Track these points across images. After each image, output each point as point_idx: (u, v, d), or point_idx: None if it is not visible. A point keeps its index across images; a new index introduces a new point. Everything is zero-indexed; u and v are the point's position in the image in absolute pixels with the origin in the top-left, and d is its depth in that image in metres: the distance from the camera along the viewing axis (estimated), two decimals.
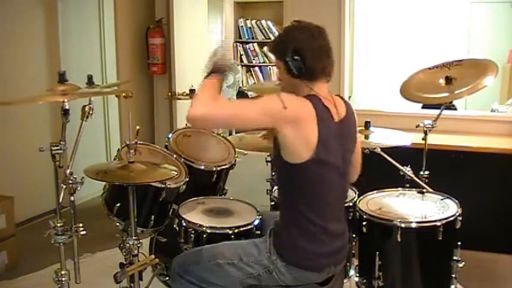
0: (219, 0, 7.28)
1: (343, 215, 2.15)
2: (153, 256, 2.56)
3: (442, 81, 2.81)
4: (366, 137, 2.83)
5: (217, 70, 2.02)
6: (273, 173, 2.95)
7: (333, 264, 2.06)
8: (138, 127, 2.40)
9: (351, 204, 2.57)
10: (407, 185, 2.76)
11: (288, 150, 1.94)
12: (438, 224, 2.31)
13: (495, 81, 2.82)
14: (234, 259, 2.05)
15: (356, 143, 2.17)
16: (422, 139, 2.84)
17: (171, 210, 2.68)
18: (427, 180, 2.82)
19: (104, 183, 2.60)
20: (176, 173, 2.34)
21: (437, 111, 2.89)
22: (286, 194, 2.06)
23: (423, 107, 4.19)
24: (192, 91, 3.34)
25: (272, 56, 2.09)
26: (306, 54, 1.96)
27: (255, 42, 7.63)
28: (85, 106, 2.35)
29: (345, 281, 2.57)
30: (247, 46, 7.69)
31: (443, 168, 3.25)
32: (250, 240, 2.13)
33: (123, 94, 2.65)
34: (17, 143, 4.24)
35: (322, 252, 2.01)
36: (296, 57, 1.97)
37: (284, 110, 1.88)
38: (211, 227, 2.39)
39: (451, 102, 3.48)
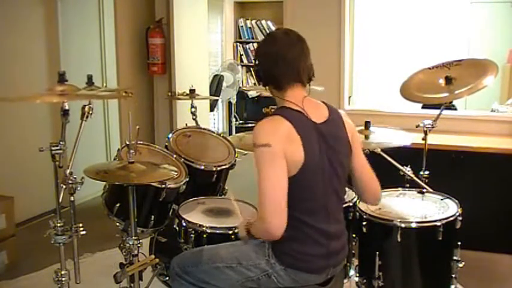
0: (219, 0, 7.28)
1: (341, 216, 2.13)
2: (153, 256, 2.56)
3: (442, 81, 2.81)
4: (366, 137, 2.83)
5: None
6: None
7: (332, 265, 2.05)
8: (138, 127, 2.40)
9: (351, 204, 2.57)
10: (407, 185, 2.75)
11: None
12: (438, 224, 2.31)
13: (495, 81, 2.82)
14: (233, 263, 2.04)
15: (349, 148, 2.11)
16: (422, 139, 2.84)
17: (171, 210, 2.68)
18: (427, 180, 2.82)
19: (104, 183, 2.60)
20: (176, 173, 2.34)
21: (437, 111, 2.89)
22: None
23: (423, 107, 4.19)
24: (192, 91, 3.34)
25: None
26: (261, 62, 2.01)
27: (255, 42, 7.64)
28: (85, 106, 2.36)
29: (345, 281, 2.57)
30: (247, 46, 7.70)
31: (443, 168, 3.25)
32: (249, 243, 2.11)
33: (123, 94, 2.65)
34: (17, 143, 4.25)
35: (320, 254, 2.00)
36: (257, 66, 2.03)
37: (271, 148, 1.87)
38: (211, 227, 2.38)
39: (451, 102, 3.48)
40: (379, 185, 2.21)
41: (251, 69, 7.74)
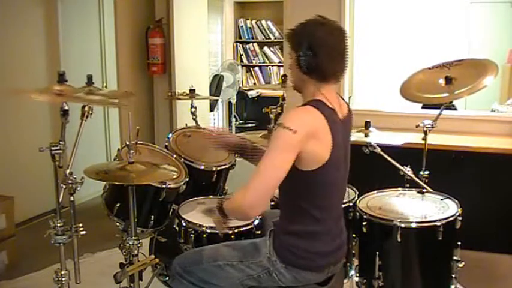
0: (219, 0, 7.28)
1: (342, 213, 2.14)
2: (153, 256, 2.56)
3: (442, 81, 2.81)
4: (366, 136, 2.83)
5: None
6: None
7: (332, 263, 2.06)
8: (138, 127, 2.39)
9: (350, 204, 2.57)
10: (407, 185, 2.75)
11: (303, 161, 1.88)
12: (438, 224, 2.31)
13: (495, 81, 2.82)
14: (234, 261, 2.05)
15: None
16: (422, 139, 2.84)
17: (171, 210, 2.68)
18: (427, 180, 2.82)
19: (104, 183, 2.60)
20: (176, 173, 2.34)
21: (437, 111, 2.89)
22: (290, 196, 2.01)
23: (423, 107, 4.19)
24: (192, 91, 3.34)
25: (287, 44, 2.04)
26: (319, 53, 1.91)
27: (255, 42, 7.63)
28: (84, 106, 2.35)
29: (345, 281, 2.57)
30: (247, 46, 7.69)
31: (443, 168, 3.25)
32: (250, 241, 2.12)
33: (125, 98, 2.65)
34: (17, 143, 4.24)
35: (322, 251, 2.00)
36: (309, 53, 1.92)
37: (294, 135, 1.82)
38: (211, 227, 2.38)
39: (451, 102, 3.48)
40: None
41: (251, 69, 7.74)
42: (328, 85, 1.98)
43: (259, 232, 2.35)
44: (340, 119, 1.99)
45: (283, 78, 3.03)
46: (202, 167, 2.88)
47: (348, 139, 2.10)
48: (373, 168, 2.65)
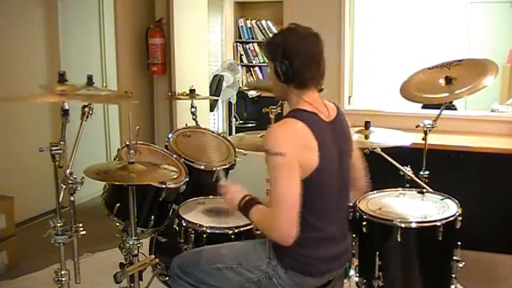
0: (219, 0, 7.28)
1: (347, 217, 2.13)
2: (153, 256, 2.56)
3: (442, 81, 2.81)
4: (366, 137, 2.83)
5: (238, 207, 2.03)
6: None
7: (335, 268, 2.06)
8: (138, 127, 2.39)
9: (350, 204, 2.57)
10: (407, 185, 2.75)
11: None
12: (438, 224, 2.31)
13: (495, 81, 2.82)
14: (234, 264, 2.04)
15: (352, 146, 2.15)
16: (422, 139, 2.84)
17: (171, 210, 2.68)
18: (427, 180, 2.82)
19: (104, 183, 2.60)
20: (176, 174, 2.34)
21: (437, 111, 2.89)
22: None
23: (423, 107, 4.19)
24: (192, 91, 3.34)
25: (264, 55, 2.07)
26: (294, 60, 1.92)
27: (255, 42, 7.63)
28: (85, 106, 2.35)
29: (345, 281, 2.56)
30: (247, 46, 7.69)
31: (443, 168, 3.25)
32: (250, 244, 2.11)
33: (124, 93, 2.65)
34: (17, 143, 4.25)
35: (323, 257, 2.00)
36: (284, 62, 1.93)
37: (285, 157, 1.83)
38: (211, 227, 2.39)
39: (451, 102, 3.48)
40: (366, 184, 2.30)
41: (251, 69, 7.74)
42: (310, 91, 1.99)
43: (259, 232, 2.35)
44: (325, 121, 1.99)
45: None
46: (202, 167, 2.88)
47: (342, 140, 2.06)
48: (373, 168, 2.64)
